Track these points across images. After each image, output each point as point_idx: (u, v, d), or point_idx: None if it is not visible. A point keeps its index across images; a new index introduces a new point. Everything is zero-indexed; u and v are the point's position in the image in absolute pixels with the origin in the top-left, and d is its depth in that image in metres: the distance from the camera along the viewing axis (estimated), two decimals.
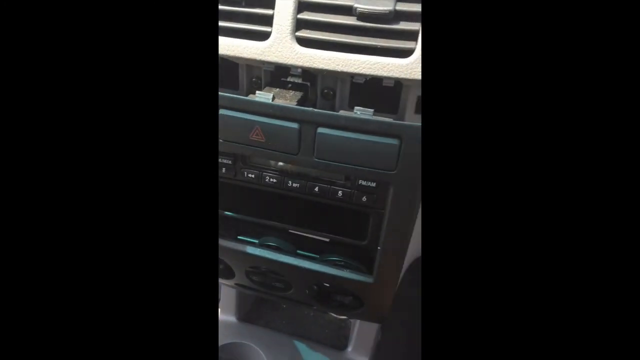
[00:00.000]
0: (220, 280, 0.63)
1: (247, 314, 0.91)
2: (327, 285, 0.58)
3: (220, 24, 0.44)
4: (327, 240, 0.56)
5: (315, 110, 0.39)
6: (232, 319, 0.88)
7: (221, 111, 0.40)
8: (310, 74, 0.47)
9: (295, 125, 0.39)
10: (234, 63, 0.49)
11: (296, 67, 0.43)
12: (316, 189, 0.48)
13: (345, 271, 0.51)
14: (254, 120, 0.40)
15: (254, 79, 0.50)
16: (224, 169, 0.50)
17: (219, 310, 0.90)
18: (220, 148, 0.44)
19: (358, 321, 0.83)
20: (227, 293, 0.88)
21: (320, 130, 0.39)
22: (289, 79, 0.47)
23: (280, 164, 0.49)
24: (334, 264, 0.53)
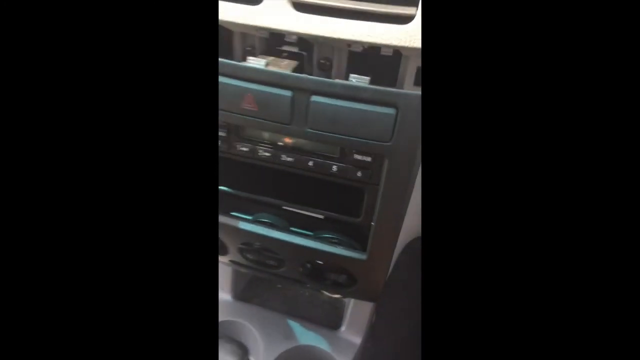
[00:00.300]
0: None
1: (243, 293, 0.91)
2: (320, 262, 0.57)
3: None
4: (321, 217, 0.55)
5: (310, 77, 0.37)
6: (227, 297, 0.88)
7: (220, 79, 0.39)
8: (306, 43, 0.45)
9: (288, 93, 0.38)
10: (228, 31, 0.47)
11: (291, 33, 0.41)
12: (310, 163, 0.47)
13: (339, 248, 0.50)
14: (246, 87, 0.38)
15: (247, 48, 0.48)
16: (219, 141, 0.49)
17: None
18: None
19: (352, 301, 0.83)
20: (223, 271, 0.88)
21: (314, 98, 0.37)
22: (285, 47, 0.46)
23: (275, 137, 0.47)
24: (327, 241, 0.53)
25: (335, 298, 0.91)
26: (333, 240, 0.54)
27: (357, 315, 0.82)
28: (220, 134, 0.48)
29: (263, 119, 0.40)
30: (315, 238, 0.52)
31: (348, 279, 0.59)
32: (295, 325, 0.82)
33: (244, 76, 0.38)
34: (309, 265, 0.58)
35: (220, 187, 0.55)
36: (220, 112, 0.41)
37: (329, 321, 0.87)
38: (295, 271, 0.57)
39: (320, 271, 0.59)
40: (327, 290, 0.65)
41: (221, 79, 0.39)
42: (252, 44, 0.48)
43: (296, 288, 0.94)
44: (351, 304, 0.83)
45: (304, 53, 0.45)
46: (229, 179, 0.54)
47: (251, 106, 0.39)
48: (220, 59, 0.38)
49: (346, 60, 0.46)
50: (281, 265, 0.58)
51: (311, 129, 0.39)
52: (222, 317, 0.84)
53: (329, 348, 0.79)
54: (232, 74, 0.38)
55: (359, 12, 0.39)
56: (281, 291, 0.93)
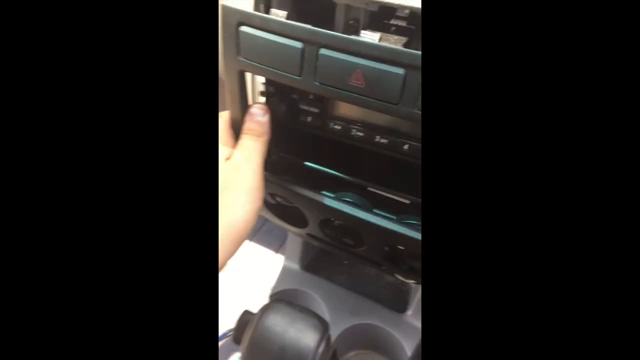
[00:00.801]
0: (292, 228, 0.64)
1: (310, 264, 0.94)
2: (401, 247, 0.56)
3: None
4: (407, 202, 0.53)
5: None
6: (295, 266, 0.91)
7: (321, 51, 0.37)
8: (418, 18, 0.42)
9: (401, 71, 0.35)
10: (330, 2, 0.45)
11: (403, 7, 0.39)
12: (406, 146, 0.45)
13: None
14: (356, 63, 0.37)
15: (350, 22, 0.46)
16: (309, 117, 0.48)
17: (284, 258, 0.93)
18: (314, 91, 0.41)
19: (420, 288, 0.81)
20: (292, 241, 0.90)
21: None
22: (393, 21, 0.43)
23: (370, 117, 0.46)
24: (411, 227, 0.51)
25: (402, 282, 0.90)
26: (417, 226, 0.52)
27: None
28: (314, 110, 0.48)
29: (370, 97, 0.38)
30: (399, 222, 0.51)
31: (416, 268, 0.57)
32: (361, 303, 0.83)
33: (356, 51, 0.36)
34: (387, 248, 0.57)
35: (306, 163, 0.55)
36: (326, 87, 0.39)
37: (394, 303, 0.86)
38: (374, 253, 0.56)
39: (399, 256, 0.58)
40: (402, 275, 0.64)
41: (329, 52, 0.38)
42: (355, 16, 0.46)
43: (363, 266, 0.94)
44: (419, 290, 0.81)
45: (413, 27, 0.42)
46: (318, 155, 0.54)
47: (359, 82, 0.37)
48: (330, 32, 0.37)
49: None
50: (360, 246, 0.57)
51: (421, 110, 0.37)
52: (290, 285, 0.87)
53: (394, 330, 0.79)
54: (343, 48, 0.37)
55: None
56: (348, 267, 0.94)
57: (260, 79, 0.49)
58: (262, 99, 0.52)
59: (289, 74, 0.40)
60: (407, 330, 0.79)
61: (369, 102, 0.38)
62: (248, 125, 0.46)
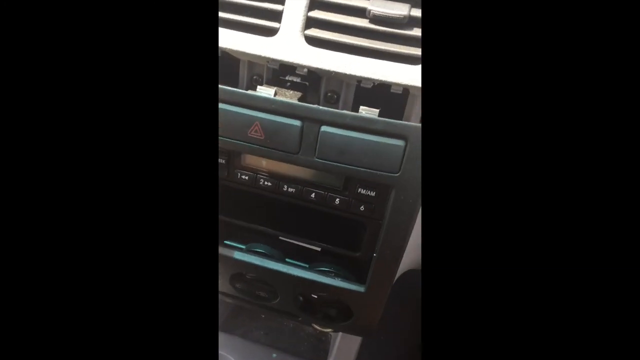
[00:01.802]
0: None
1: (224, 323, 0.87)
2: (315, 296, 0.55)
3: (226, 16, 0.42)
4: (318, 249, 0.54)
5: (320, 107, 0.37)
6: None
7: (220, 105, 0.38)
8: (314, 75, 0.45)
9: (297, 123, 0.37)
10: (235, 59, 0.47)
11: (302, 66, 0.42)
12: (312, 195, 0.46)
13: (337, 279, 0.49)
14: (254, 116, 0.38)
15: (254, 77, 0.48)
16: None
17: None
18: (220, 146, 0.41)
19: (339, 335, 0.81)
20: None
21: (324, 128, 0.37)
22: (288, 77, 0.46)
23: (276, 167, 0.47)
24: (324, 274, 0.51)
25: (321, 331, 0.88)
26: (330, 273, 0.52)
27: (344, 350, 0.80)
28: (220, 161, 0.47)
29: (270, 148, 0.39)
30: (312, 270, 0.51)
31: (341, 313, 0.57)
32: (282, 359, 0.79)
33: (254, 105, 0.38)
34: (301, 298, 0.56)
35: (225, 217, 0.53)
36: (223, 139, 0.40)
37: (314, 355, 0.84)
38: (288, 304, 0.55)
39: (314, 304, 0.58)
40: (319, 324, 0.63)
41: (228, 107, 0.38)
42: (259, 72, 0.48)
43: (280, 319, 0.91)
44: (338, 338, 0.80)
45: (306, 83, 0.45)
46: (225, 205, 0.53)
47: (258, 134, 0.38)
48: (228, 88, 0.38)
49: (353, 94, 0.46)
50: (274, 297, 0.56)
51: (319, 158, 0.39)
52: None
53: None
54: (240, 102, 0.38)
55: (371, 50, 0.39)
56: (264, 322, 0.90)
57: None
58: None
59: None
60: None
61: (270, 152, 0.39)
62: None
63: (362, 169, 0.39)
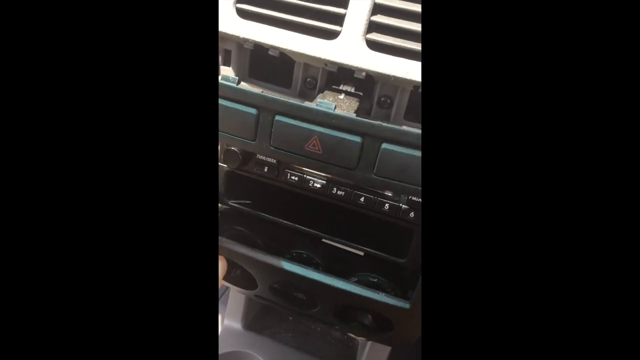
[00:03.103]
0: (240, 291, 0.60)
1: (253, 322, 0.88)
2: (356, 308, 0.55)
3: (287, 17, 0.42)
4: (362, 254, 0.54)
5: (383, 124, 0.36)
6: (237, 326, 0.85)
7: (277, 117, 0.38)
8: (367, 81, 0.45)
9: (357, 139, 0.37)
10: (290, 60, 0.47)
11: (361, 70, 0.42)
12: (362, 199, 0.46)
13: (381, 294, 0.48)
14: (313, 130, 0.37)
15: (308, 79, 0.48)
16: (266, 167, 0.48)
17: (224, 316, 0.86)
18: (272, 156, 0.41)
19: (369, 343, 0.80)
20: (235, 299, 0.85)
21: (386, 146, 0.37)
22: (342, 87, 0.46)
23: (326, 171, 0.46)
24: (366, 283, 0.51)
25: (349, 337, 0.87)
26: (373, 280, 0.52)
27: (373, 356, 0.79)
28: (271, 161, 0.47)
29: (327, 163, 0.39)
30: (355, 282, 0.50)
31: (379, 323, 0.56)
32: None
33: (313, 119, 0.37)
34: (342, 308, 0.55)
35: (262, 214, 0.53)
36: (279, 152, 0.40)
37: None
38: (327, 313, 0.55)
39: (354, 315, 0.57)
40: (353, 333, 0.63)
41: (286, 119, 0.38)
42: (313, 75, 0.48)
43: (308, 322, 0.90)
44: (368, 345, 0.80)
45: (360, 94, 0.45)
46: (272, 207, 0.53)
47: (316, 149, 0.38)
48: (289, 100, 0.38)
49: (407, 100, 0.46)
50: (313, 306, 0.55)
51: (377, 175, 0.38)
52: (231, 347, 0.80)
53: None
54: (300, 116, 0.38)
55: None
56: (292, 324, 0.90)
57: None
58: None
59: (243, 139, 0.40)
60: None
61: (326, 167, 0.39)
62: None
63: (420, 188, 0.38)
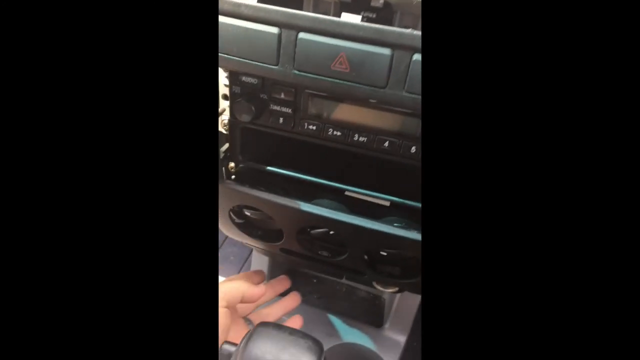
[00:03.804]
0: (263, 245, 0.58)
1: None
2: (385, 253, 0.53)
3: None
4: (387, 204, 0.51)
5: (414, 32, 0.32)
6: None
7: (300, 35, 0.34)
8: (385, 10, 0.41)
9: (387, 52, 0.33)
10: None
11: None
12: (386, 144, 0.43)
13: (414, 232, 0.45)
14: (339, 46, 0.34)
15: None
16: (281, 119, 0.45)
17: None
18: (292, 80, 0.37)
19: (396, 299, 0.79)
20: (258, 264, 0.84)
21: (417, 57, 0.33)
22: (363, 13, 0.41)
23: (346, 114, 0.43)
24: (398, 226, 0.48)
25: (374, 295, 0.87)
26: (401, 226, 0.49)
27: (401, 312, 0.78)
28: (286, 110, 0.44)
29: (354, 82, 0.35)
30: (386, 221, 0.47)
31: (407, 271, 0.55)
32: (336, 322, 0.78)
33: (339, 32, 0.34)
34: (366, 257, 0.54)
35: (279, 170, 0.51)
36: (305, 74, 0.36)
37: (369, 318, 0.83)
38: (355, 260, 0.53)
39: (379, 262, 0.55)
40: (382, 284, 0.61)
41: (310, 36, 0.34)
42: (324, 10, 0.44)
43: (332, 283, 0.90)
44: (395, 301, 0.79)
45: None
46: (289, 160, 0.50)
47: (343, 67, 0.35)
48: (310, 14, 0.34)
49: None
50: (341, 253, 0.54)
51: (409, 92, 0.35)
52: None
53: (374, 346, 0.75)
54: (325, 30, 0.34)
55: None
56: (318, 286, 0.89)
57: (223, 80, 0.45)
58: (225, 104, 0.47)
59: (264, 63, 0.37)
60: (387, 345, 0.75)
61: (353, 87, 0.35)
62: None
63: None
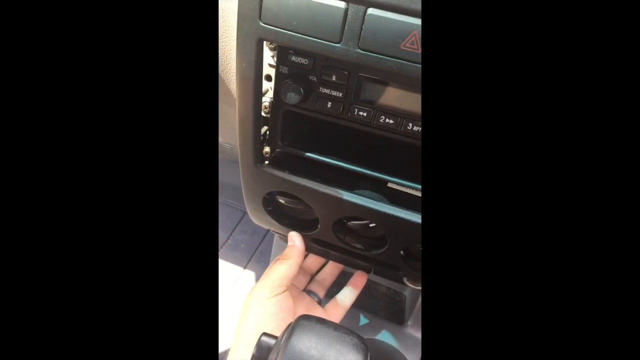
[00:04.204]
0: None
1: None
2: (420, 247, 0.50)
3: None
4: None
5: None
6: None
7: (369, 10, 0.32)
8: None
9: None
10: None
11: None
12: None
13: None
14: (413, 24, 0.31)
15: None
16: (329, 103, 0.42)
17: None
18: (354, 60, 0.34)
19: (419, 296, 0.77)
20: (280, 251, 0.82)
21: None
22: None
23: (400, 101, 0.40)
24: None
25: (395, 291, 0.85)
26: None
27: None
28: (336, 94, 0.42)
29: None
30: None
31: None
32: (358, 317, 0.77)
33: (413, 9, 0.31)
34: (402, 252, 0.51)
35: (319, 157, 0.48)
36: (367, 54, 0.33)
37: (390, 315, 0.81)
38: (393, 254, 0.50)
39: (415, 258, 0.53)
40: (416, 280, 0.59)
41: (382, 13, 0.32)
42: None
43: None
44: (419, 298, 0.77)
45: None
46: (334, 147, 0.48)
47: (414, 47, 0.32)
48: None
49: None
50: (376, 247, 0.51)
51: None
52: None
53: (397, 344, 0.73)
54: (397, 6, 0.31)
55: None
56: (338, 279, 0.87)
57: (267, 59, 0.42)
58: (268, 85, 0.45)
59: (325, 40, 0.34)
60: (409, 343, 0.74)
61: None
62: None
63: None
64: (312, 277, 0.64)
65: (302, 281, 0.62)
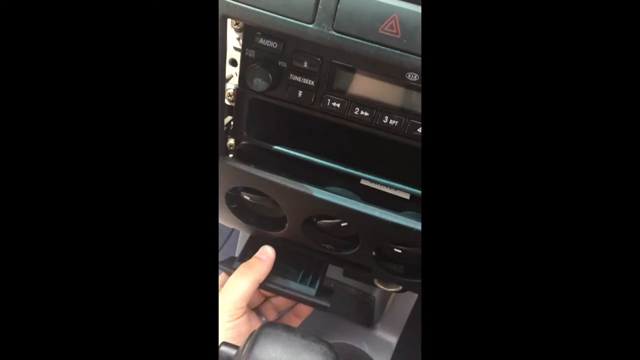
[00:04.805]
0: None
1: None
2: (399, 250, 0.48)
3: None
4: (407, 197, 0.47)
5: None
6: None
7: None
8: None
9: None
10: None
11: None
12: (419, 129, 0.38)
13: None
14: (393, 6, 0.29)
15: None
16: (300, 92, 0.39)
17: None
18: (327, 42, 0.32)
19: (391, 298, 0.75)
20: (245, 256, 0.78)
21: None
22: None
23: (377, 92, 0.38)
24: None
25: (364, 293, 0.83)
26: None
27: (394, 313, 0.74)
28: (308, 82, 0.38)
29: (404, 51, 0.30)
30: (406, 215, 0.43)
31: (412, 270, 0.51)
32: (327, 320, 0.74)
33: None
34: (374, 253, 0.49)
35: (287, 150, 0.45)
36: (348, 39, 0.31)
37: (359, 317, 0.79)
38: (365, 255, 0.48)
39: (387, 259, 0.51)
40: (384, 283, 0.57)
41: None
42: None
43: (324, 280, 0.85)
44: (389, 301, 0.75)
45: None
46: (304, 141, 0.45)
47: (393, 31, 0.29)
48: None
49: None
50: (347, 247, 0.49)
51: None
52: None
53: (367, 347, 0.71)
54: None
55: None
56: None
57: (233, 42, 0.39)
58: (233, 70, 0.41)
59: (296, 20, 0.31)
60: (379, 347, 0.72)
61: (403, 57, 0.30)
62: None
63: None
64: (267, 298, 0.58)
65: (255, 299, 0.56)
